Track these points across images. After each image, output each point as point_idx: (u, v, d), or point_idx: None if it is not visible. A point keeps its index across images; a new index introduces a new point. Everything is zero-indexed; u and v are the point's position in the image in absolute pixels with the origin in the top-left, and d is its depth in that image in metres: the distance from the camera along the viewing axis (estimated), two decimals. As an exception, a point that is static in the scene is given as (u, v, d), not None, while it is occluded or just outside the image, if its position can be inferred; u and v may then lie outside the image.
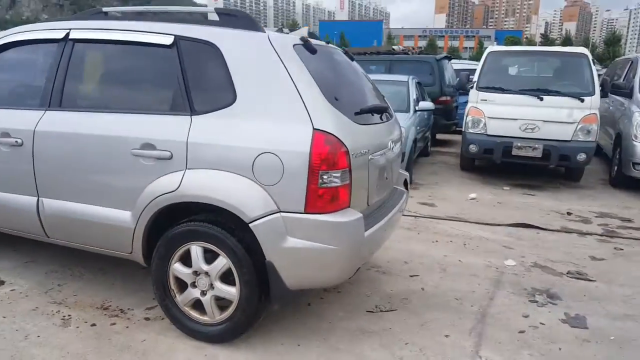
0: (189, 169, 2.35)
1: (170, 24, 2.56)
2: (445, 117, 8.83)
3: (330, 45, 3.01)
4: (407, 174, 3.48)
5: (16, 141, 2.74)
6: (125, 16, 2.84)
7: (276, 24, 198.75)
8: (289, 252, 2.25)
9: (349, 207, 2.33)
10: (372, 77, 3.54)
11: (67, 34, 2.75)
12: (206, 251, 2.41)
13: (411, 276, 3.40)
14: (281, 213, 2.23)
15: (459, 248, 4.01)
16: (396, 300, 3.05)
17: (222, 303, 2.46)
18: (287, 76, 2.29)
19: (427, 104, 6.86)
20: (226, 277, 2.39)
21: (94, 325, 2.66)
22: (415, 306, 2.98)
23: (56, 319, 2.71)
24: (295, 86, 2.28)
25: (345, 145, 2.26)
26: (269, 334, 2.61)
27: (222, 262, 2.37)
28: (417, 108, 6.65)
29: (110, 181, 2.57)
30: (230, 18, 2.53)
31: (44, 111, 2.73)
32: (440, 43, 79.60)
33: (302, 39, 2.53)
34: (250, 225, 2.25)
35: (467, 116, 6.60)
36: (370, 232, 2.43)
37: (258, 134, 2.27)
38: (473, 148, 6.47)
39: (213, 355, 2.42)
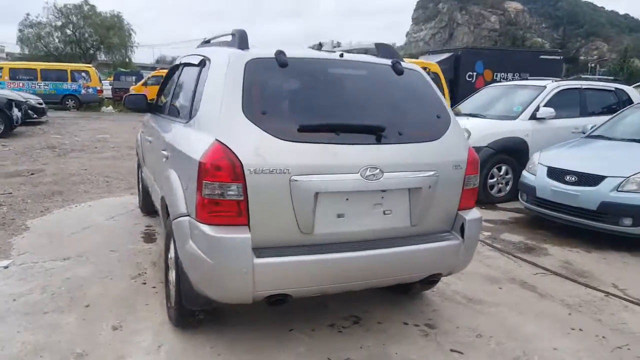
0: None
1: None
2: None
3: (347, 57, 2.84)
4: (469, 216, 2.81)
5: None
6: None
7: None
8: (187, 254, 2.45)
9: (246, 224, 2.31)
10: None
11: None
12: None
13: None
14: (188, 217, 2.43)
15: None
16: None
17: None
18: (222, 90, 2.48)
19: None
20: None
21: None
22: None
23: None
24: (222, 99, 2.44)
25: (239, 160, 2.26)
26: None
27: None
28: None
29: None
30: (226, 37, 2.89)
31: None
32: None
33: (276, 52, 2.57)
34: (172, 222, 2.62)
35: None
36: (275, 261, 2.33)
37: (193, 142, 2.54)
38: None
39: None
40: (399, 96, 2.88)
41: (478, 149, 6.37)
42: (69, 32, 38.57)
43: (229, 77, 2.49)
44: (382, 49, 3.15)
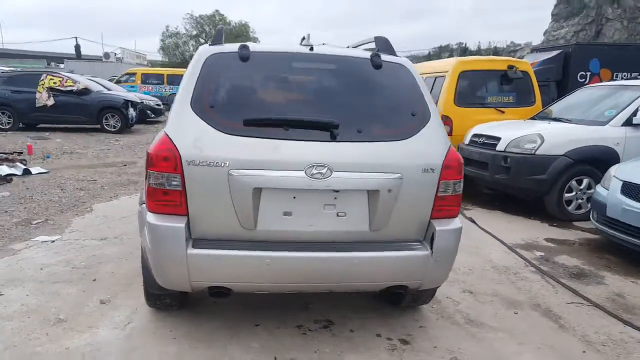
0: None
1: None
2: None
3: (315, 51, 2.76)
4: (442, 227, 2.57)
5: None
6: None
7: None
8: (143, 239, 2.58)
9: (185, 215, 2.39)
10: None
11: None
12: None
13: None
14: (144, 204, 2.52)
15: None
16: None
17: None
18: (181, 85, 2.59)
19: None
20: None
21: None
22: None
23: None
24: (179, 93, 2.56)
25: (178, 151, 2.34)
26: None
27: None
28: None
29: None
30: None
31: None
32: None
33: (239, 46, 2.61)
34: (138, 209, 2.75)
35: None
36: (206, 253, 2.36)
37: (157, 135, 2.64)
38: None
39: None
40: (368, 91, 2.72)
41: (552, 158, 5.76)
42: (202, 40, 42.65)
43: (188, 72, 2.60)
44: (380, 43, 3.02)
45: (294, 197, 2.44)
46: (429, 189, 2.57)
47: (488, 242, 4.89)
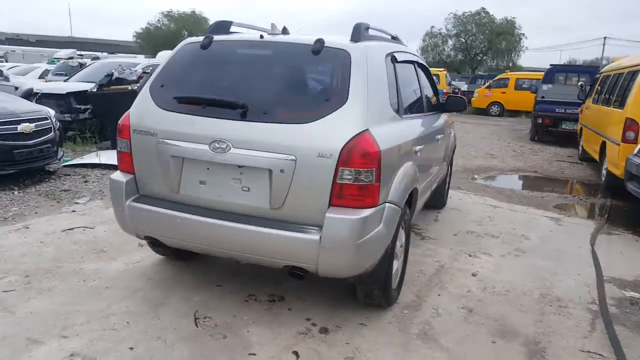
0: None
1: None
2: None
3: (269, 38, 3.04)
4: (333, 214, 2.54)
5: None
6: None
7: None
8: None
9: (133, 173, 3.01)
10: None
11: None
12: None
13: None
14: None
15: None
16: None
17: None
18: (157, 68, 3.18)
19: None
20: None
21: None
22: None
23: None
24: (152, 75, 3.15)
25: (129, 121, 2.91)
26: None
27: None
28: None
29: None
30: None
31: None
32: None
33: (205, 36, 3.08)
34: None
35: None
36: (139, 206, 2.90)
37: None
38: None
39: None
40: (291, 76, 2.83)
41: None
42: (462, 40, 42.30)
43: (164, 59, 3.21)
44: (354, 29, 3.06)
45: (208, 169, 2.78)
46: (326, 175, 2.54)
47: (581, 268, 4.00)
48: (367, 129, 2.58)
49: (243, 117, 2.68)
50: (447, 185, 5.75)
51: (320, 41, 2.79)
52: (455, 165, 6.42)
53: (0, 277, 3.36)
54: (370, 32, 3.19)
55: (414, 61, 4.00)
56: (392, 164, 2.79)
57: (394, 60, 3.29)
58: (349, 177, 2.52)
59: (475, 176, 7.97)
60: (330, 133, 2.56)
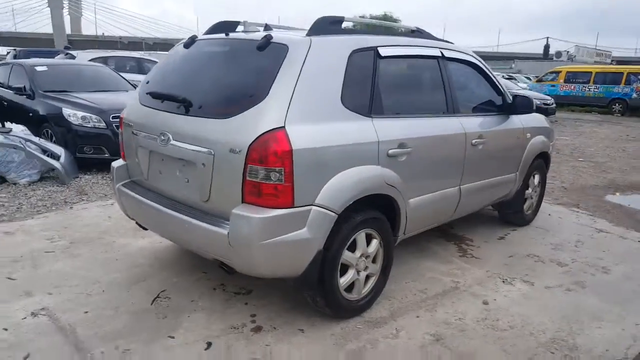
0: None
1: None
2: None
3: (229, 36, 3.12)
4: (238, 211, 2.50)
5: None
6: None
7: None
8: None
9: (125, 161, 3.39)
10: None
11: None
12: None
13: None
14: None
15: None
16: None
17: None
18: None
19: None
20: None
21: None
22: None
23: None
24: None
25: (123, 114, 3.35)
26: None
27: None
28: None
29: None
30: None
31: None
32: None
33: (190, 35, 3.36)
34: None
35: None
36: (123, 190, 3.26)
37: None
38: None
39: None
40: (231, 72, 2.87)
41: None
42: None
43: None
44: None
45: (162, 160, 3.01)
46: (237, 171, 2.52)
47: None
48: (282, 126, 2.47)
49: (187, 111, 2.82)
50: (536, 200, 4.93)
51: (267, 37, 2.76)
52: (583, 179, 5.30)
53: (53, 240, 4.12)
54: (345, 25, 3.06)
55: (435, 56, 3.55)
56: (320, 165, 2.60)
57: (376, 55, 3.03)
58: (258, 174, 2.46)
59: (617, 193, 6.59)
60: (243, 129, 2.53)
